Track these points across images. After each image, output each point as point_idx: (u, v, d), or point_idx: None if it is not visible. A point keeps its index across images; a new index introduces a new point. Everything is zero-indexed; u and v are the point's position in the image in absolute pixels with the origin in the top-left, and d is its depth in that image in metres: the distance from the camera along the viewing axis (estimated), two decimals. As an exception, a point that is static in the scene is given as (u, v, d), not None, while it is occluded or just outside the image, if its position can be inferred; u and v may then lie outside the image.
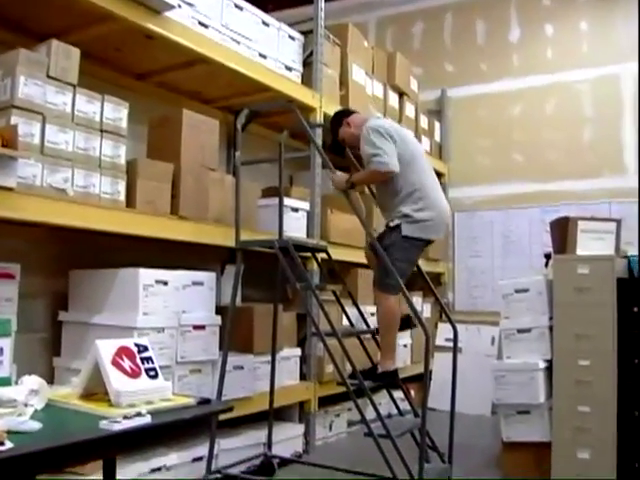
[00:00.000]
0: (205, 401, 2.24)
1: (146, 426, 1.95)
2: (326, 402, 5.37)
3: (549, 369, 4.41)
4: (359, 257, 5.58)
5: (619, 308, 4.22)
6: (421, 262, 4.39)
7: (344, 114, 4.32)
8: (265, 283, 4.80)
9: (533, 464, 4.43)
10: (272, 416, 4.49)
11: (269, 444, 4.51)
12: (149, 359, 2.25)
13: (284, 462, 4.61)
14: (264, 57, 4.81)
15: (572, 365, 4.26)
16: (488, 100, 7.60)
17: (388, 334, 3.98)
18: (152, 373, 2.22)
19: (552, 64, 7.27)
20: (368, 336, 4.42)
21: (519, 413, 4.47)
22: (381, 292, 3.95)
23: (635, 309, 4.21)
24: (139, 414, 1.97)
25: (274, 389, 4.47)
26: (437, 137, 7.86)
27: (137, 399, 2.12)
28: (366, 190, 4.52)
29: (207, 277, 4.18)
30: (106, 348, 2.19)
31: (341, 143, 4.29)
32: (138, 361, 2.21)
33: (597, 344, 4.23)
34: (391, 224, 3.95)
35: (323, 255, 4.65)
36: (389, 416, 5.18)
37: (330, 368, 5.06)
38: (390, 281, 3.83)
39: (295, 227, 4.93)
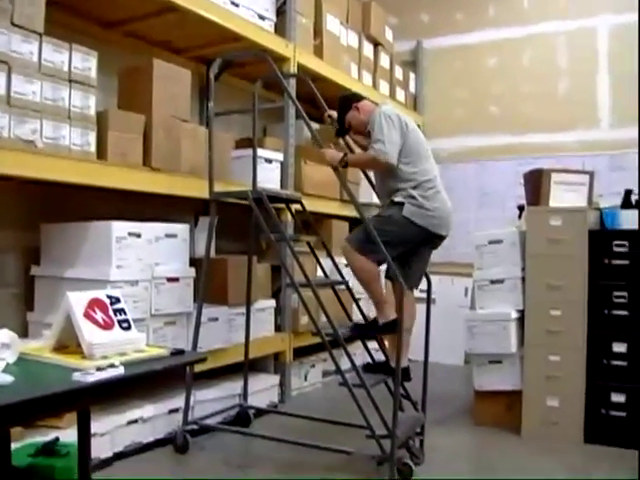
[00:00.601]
0: (179, 352, 2.23)
1: (119, 377, 1.95)
2: (301, 353, 5.43)
3: (521, 319, 4.48)
4: (333, 208, 5.60)
5: (590, 260, 4.29)
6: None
7: (354, 98, 4.14)
8: (239, 235, 4.79)
9: (504, 412, 4.53)
10: (247, 367, 4.54)
11: (245, 395, 4.56)
12: (122, 311, 2.23)
13: (260, 412, 4.67)
14: (236, 5, 4.70)
15: (543, 315, 4.33)
16: (464, 51, 7.54)
17: (370, 288, 3.88)
18: (125, 325, 2.21)
19: (528, 15, 7.20)
20: (343, 287, 4.44)
21: (491, 362, 4.55)
22: (355, 251, 3.81)
23: (606, 261, 4.28)
24: (112, 365, 1.97)
25: (249, 340, 4.51)
26: (412, 88, 7.81)
27: (110, 351, 2.11)
28: (341, 142, 4.46)
29: (180, 229, 4.17)
30: (78, 300, 2.17)
31: (346, 127, 4.14)
32: (110, 313, 2.20)
33: (568, 295, 4.29)
34: (395, 199, 3.80)
35: (297, 206, 4.64)
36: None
37: (305, 319, 5.09)
38: (373, 247, 3.67)
39: (269, 178, 4.91)
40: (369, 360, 4.30)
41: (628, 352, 4.20)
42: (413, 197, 3.75)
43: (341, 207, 5.69)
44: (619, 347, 4.22)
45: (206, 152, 4.18)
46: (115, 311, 2.22)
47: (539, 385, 4.32)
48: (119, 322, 2.20)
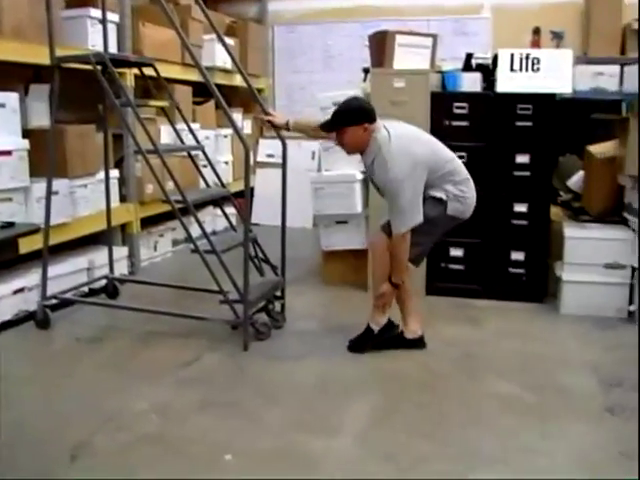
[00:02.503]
0: (8, 224, 2.10)
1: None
2: (149, 223, 5.34)
3: (366, 180, 4.57)
4: (175, 73, 5.38)
5: (432, 121, 4.39)
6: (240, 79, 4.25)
7: (369, 117, 3.31)
8: (72, 103, 4.50)
9: (351, 270, 4.72)
10: (111, 236, 4.55)
11: (110, 267, 4.53)
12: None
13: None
14: None
15: (387, 176, 4.44)
16: None
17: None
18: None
19: None
20: (196, 153, 4.35)
21: (338, 223, 4.68)
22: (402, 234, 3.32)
23: (446, 122, 4.41)
24: None
25: (110, 209, 4.44)
26: (255, -53, 7.45)
27: None
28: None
29: (9, 98, 3.87)
30: None
31: (338, 137, 3.40)
32: None
33: (411, 155, 4.40)
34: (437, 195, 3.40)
35: (146, 71, 4.40)
36: (214, 233, 5.25)
37: (150, 188, 4.97)
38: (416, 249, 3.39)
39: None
40: (218, 228, 4.28)
41: (466, 209, 4.43)
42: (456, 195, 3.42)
43: (183, 71, 5.47)
44: (458, 205, 4.43)
45: (30, 12, 3.83)
46: None
47: (384, 243, 4.49)
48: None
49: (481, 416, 2.90)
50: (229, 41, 6.18)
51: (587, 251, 4.15)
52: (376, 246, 3.52)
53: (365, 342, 3.63)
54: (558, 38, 6.23)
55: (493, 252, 4.47)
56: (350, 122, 3.30)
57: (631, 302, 4.10)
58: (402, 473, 2.42)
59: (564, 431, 2.75)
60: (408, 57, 4.63)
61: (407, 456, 2.54)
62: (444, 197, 3.39)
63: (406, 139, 3.36)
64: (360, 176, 4.56)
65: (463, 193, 3.43)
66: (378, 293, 3.52)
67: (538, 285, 4.46)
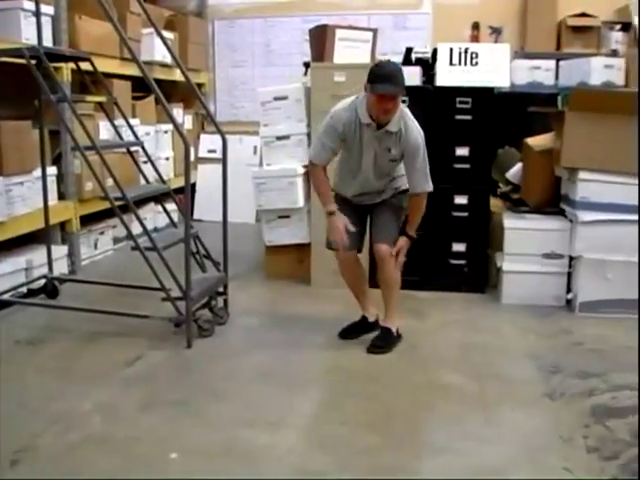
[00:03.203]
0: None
1: None
2: (89, 220, 5.23)
3: (307, 174, 4.57)
4: (113, 67, 5.29)
5: (372, 114, 4.41)
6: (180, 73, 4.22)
7: None
8: (7, 98, 4.39)
9: (296, 265, 4.73)
10: (50, 235, 4.44)
11: (49, 266, 4.43)
12: None
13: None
14: None
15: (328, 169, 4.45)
16: None
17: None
18: None
19: None
20: (136, 149, 4.27)
21: (280, 217, 4.68)
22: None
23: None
24: None
25: (48, 207, 4.34)
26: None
27: None
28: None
29: (-61, 93, 3.75)
30: None
31: (393, 102, 3.25)
32: None
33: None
34: (403, 187, 3.55)
35: (82, 66, 4.31)
36: (155, 230, 5.19)
37: (90, 185, 4.88)
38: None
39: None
40: (160, 224, 4.23)
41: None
42: None
43: (122, 65, 5.37)
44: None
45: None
46: None
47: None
48: None
49: (426, 406, 2.93)
50: (168, 35, 6.11)
51: (526, 242, 4.24)
52: (351, 262, 3.72)
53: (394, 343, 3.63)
54: (496, 33, 6.38)
55: (434, 244, 4.52)
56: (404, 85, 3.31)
57: (569, 290, 4.20)
58: (346, 465, 2.43)
59: (506, 417, 2.81)
60: (348, 51, 4.65)
61: (352, 448, 2.55)
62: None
63: None
64: (301, 170, 4.56)
65: None
66: (395, 250, 3.51)
67: (479, 276, 4.54)
